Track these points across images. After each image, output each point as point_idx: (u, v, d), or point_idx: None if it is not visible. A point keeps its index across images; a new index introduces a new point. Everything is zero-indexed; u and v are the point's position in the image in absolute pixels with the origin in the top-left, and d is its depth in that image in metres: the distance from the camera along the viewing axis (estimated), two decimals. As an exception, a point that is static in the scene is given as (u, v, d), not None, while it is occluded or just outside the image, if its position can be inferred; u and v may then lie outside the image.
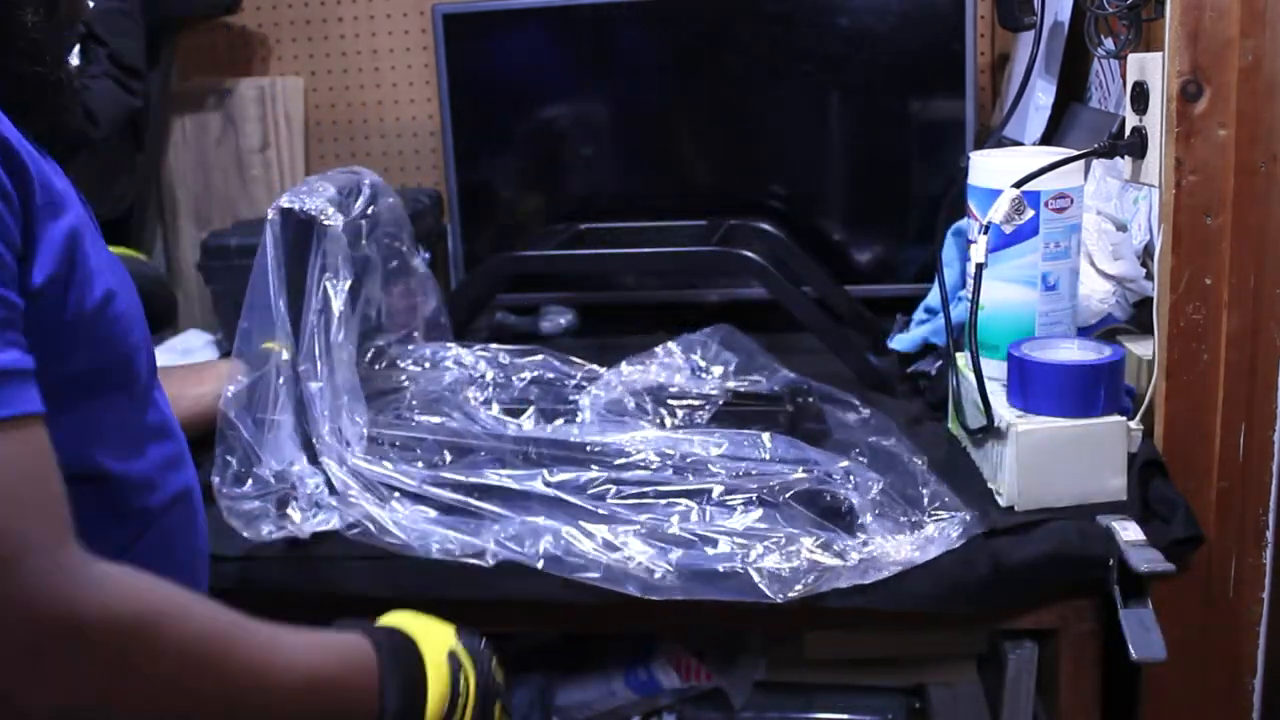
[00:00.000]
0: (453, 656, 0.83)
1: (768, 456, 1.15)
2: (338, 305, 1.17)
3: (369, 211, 1.29)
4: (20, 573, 0.57)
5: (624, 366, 1.37)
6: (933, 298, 1.42)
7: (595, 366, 1.38)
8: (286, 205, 1.17)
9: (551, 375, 1.39)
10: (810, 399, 1.34)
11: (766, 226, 1.66)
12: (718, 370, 1.40)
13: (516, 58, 1.78)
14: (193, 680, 0.65)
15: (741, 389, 1.37)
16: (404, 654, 0.80)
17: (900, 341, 1.43)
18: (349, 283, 1.19)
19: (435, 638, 0.84)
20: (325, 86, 2.05)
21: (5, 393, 0.60)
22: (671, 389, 1.34)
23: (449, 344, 1.41)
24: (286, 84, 2.02)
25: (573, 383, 1.37)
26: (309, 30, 2.03)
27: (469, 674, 0.83)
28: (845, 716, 1.42)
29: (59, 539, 0.60)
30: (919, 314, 1.45)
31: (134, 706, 0.62)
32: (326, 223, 1.17)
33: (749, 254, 1.47)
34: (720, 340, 1.42)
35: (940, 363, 1.35)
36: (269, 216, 1.16)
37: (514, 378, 1.37)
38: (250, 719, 0.69)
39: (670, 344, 1.42)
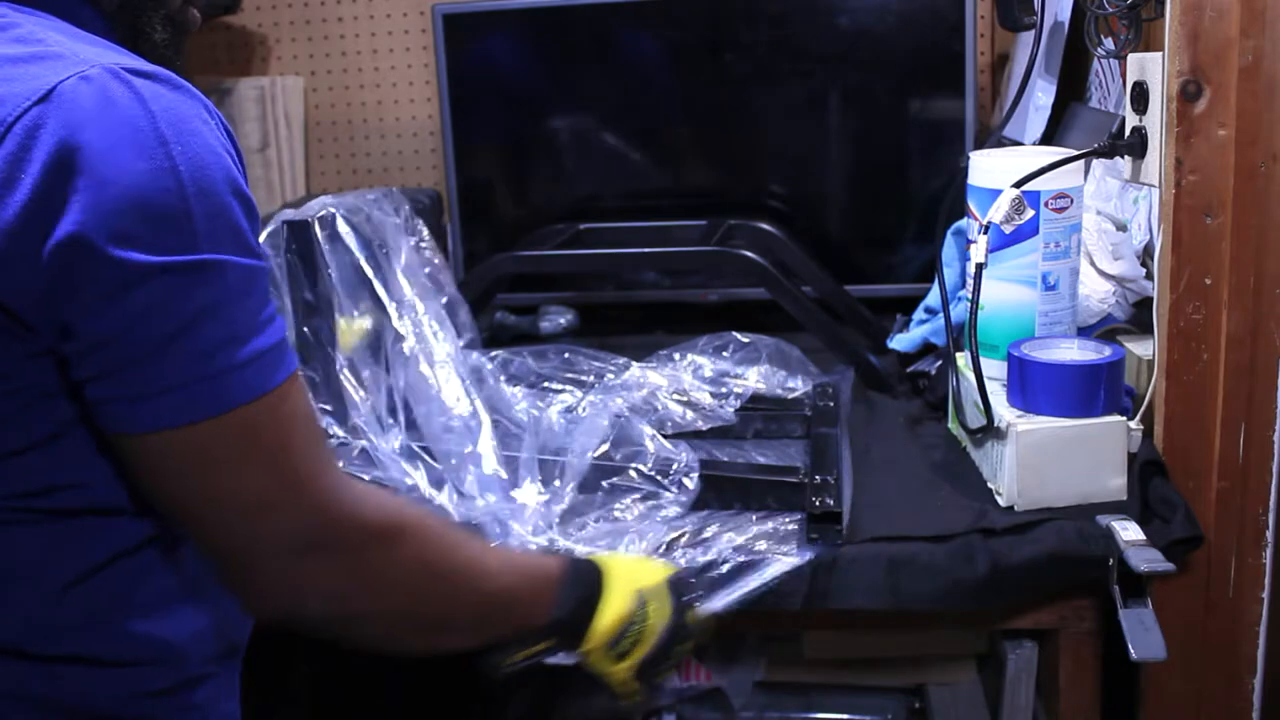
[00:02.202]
0: (640, 594, 0.96)
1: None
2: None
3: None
4: (312, 491, 0.77)
5: (645, 370, 1.38)
6: (933, 298, 1.42)
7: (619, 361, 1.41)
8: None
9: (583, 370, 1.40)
10: (833, 404, 1.34)
11: (766, 226, 1.66)
12: (750, 372, 1.40)
13: (516, 58, 1.78)
14: (426, 581, 0.84)
15: (764, 393, 1.38)
16: (587, 579, 0.95)
17: (900, 341, 1.43)
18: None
19: (628, 573, 0.97)
20: (325, 86, 2.05)
21: (290, 351, 0.78)
22: (693, 391, 1.35)
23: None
24: (286, 84, 2.02)
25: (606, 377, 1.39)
26: (309, 30, 2.03)
27: (653, 613, 0.96)
28: (845, 716, 1.42)
29: (333, 463, 0.80)
30: (919, 314, 1.45)
31: (381, 597, 0.82)
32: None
33: (749, 254, 1.47)
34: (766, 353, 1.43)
35: (940, 363, 1.36)
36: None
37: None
38: (459, 617, 0.88)
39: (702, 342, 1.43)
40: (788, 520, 1.13)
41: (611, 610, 0.95)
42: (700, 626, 1.00)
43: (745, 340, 1.44)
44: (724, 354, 1.42)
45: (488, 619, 0.90)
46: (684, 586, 1.01)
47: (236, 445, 0.74)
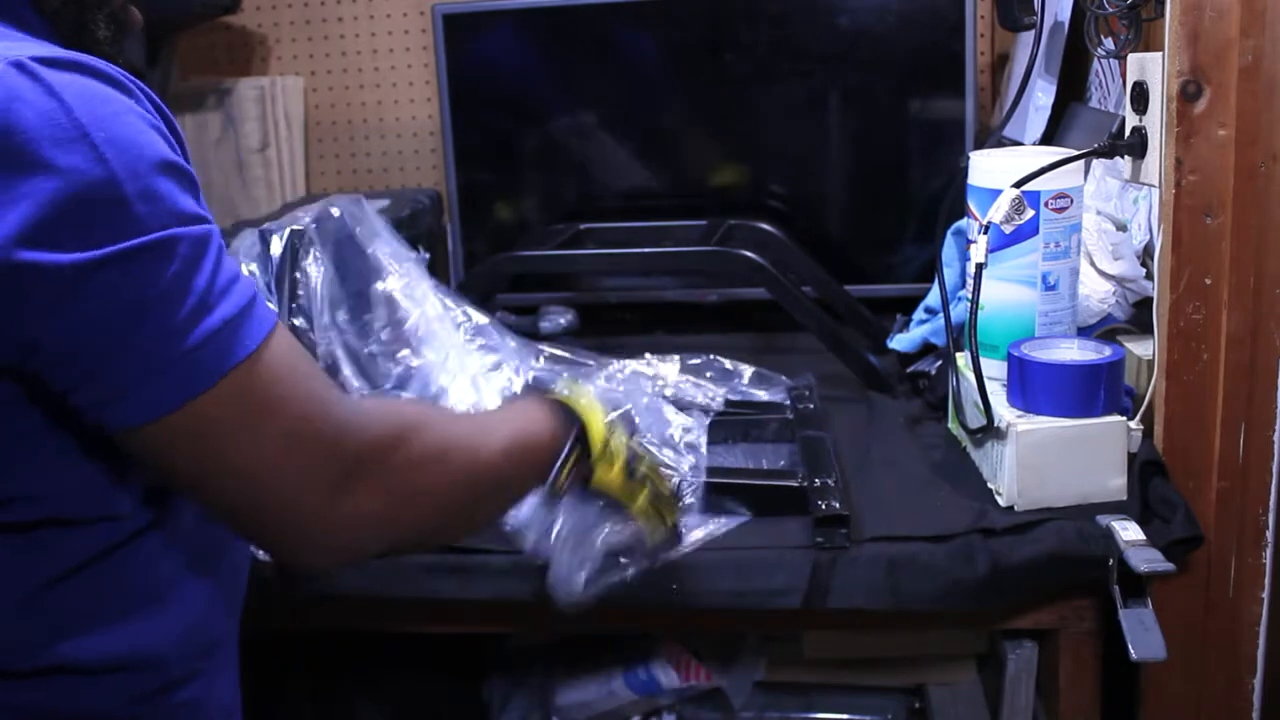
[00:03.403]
0: (604, 398, 1.00)
1: None
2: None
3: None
4: (325, 426, 0.77)
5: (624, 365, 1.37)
6: (933, 298, 1.42)
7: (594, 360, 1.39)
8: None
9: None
10: (812, 405, 1.34)
11: (766, 226, 1.65)
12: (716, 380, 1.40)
13: (516, 58, 1.78)
14: (445, 468, 0.85)
15: (736, 398, 1.37)
16: (562, 399, 0.98)
17: (900, 341, 1.43)
18: None
19: (584, 393, 1.01)
20: (325, 86, 2.05)
21: (263, 304, 0.77)
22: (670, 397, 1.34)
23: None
24: (286, 84, 2.02)
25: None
26: (309, 30, 2.03)
27: (619, 426, 1.00)
28: (845, 716, 1.42)
29: (332, 392, 0.80)
30: (919, 314, 1.45)
31: (417, 491, 0.82)
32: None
33: (749, 254, 1.47)
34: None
35: (940, 363, 1.36)
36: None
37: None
38: (483, 486, 0.89)
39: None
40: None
41: (591, 415, 0.97)
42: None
43: (728, 366, 1.43)
44: (706, 375, 1.42)
45: (518, 469, 0.92)
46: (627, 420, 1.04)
47: (239, 410, 0.73)
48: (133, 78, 0.76)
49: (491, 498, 0.92)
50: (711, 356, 1.44)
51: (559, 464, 0.94)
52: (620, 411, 1.01)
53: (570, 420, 0.96)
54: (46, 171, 0.67)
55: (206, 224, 0.74)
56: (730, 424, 1.31)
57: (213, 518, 0.81)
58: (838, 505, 1.08)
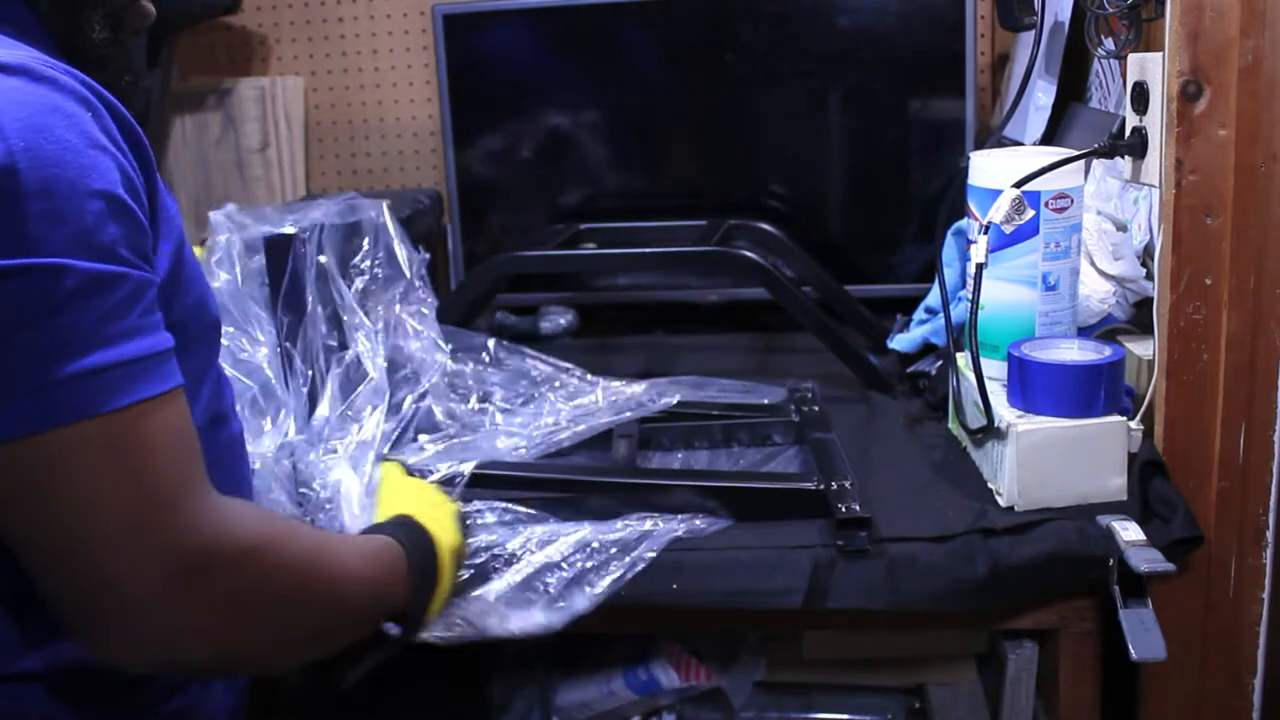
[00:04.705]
0: (456, 556, 0.98)
1: None
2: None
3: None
4: (180, 512, 0.71)
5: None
6: (933, 298, 1.42)
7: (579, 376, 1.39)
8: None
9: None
10: (816, 406, 1.34)
11: (766, 226, 1.65)
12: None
13: (516, 58, 1.78)
14: (302, 590, 0.79)
15: (736, 401, 1.37)
16: (425, 557, 0.94)
17: (900, 341, 1.43)
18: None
19: (443, 532, 0.98)
20: (325, 86, 2.05)
21: (166, 368, 0.72)
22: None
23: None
24: (286, 84, 2.02)
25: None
26: (309, 30, 2.03)
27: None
28: (845, 716, 1.42)
29: (204, 484, 0.74)
30: (919, 314, 1.45)
31: (261, 612, 0.75)
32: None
33: (749, 254, 1.47)
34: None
35: (940, 363, 1.36)
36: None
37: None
38: (336, 621, 0.84)
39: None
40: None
41: (445, 586, 0.96)
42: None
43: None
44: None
45: (361, 618, 0.87)
46: (465, 519, 1.05)
47: (92, 462, 0.68)
48: (99, 95, 0.73)
49: (338, 634, 0.86)
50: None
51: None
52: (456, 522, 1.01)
53: (424, 570, 0.93)
54: None
55: (118, 265, 0.70)
56: (734, 428, 1.31)
57: (31, 575, 0.72)
58: (858, 508, 1.08)
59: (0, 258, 0.66)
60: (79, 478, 0.68)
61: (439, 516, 1.00)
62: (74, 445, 0.68)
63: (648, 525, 1.10)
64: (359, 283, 1.25)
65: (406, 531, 0.94)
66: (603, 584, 1.06)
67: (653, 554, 1.08)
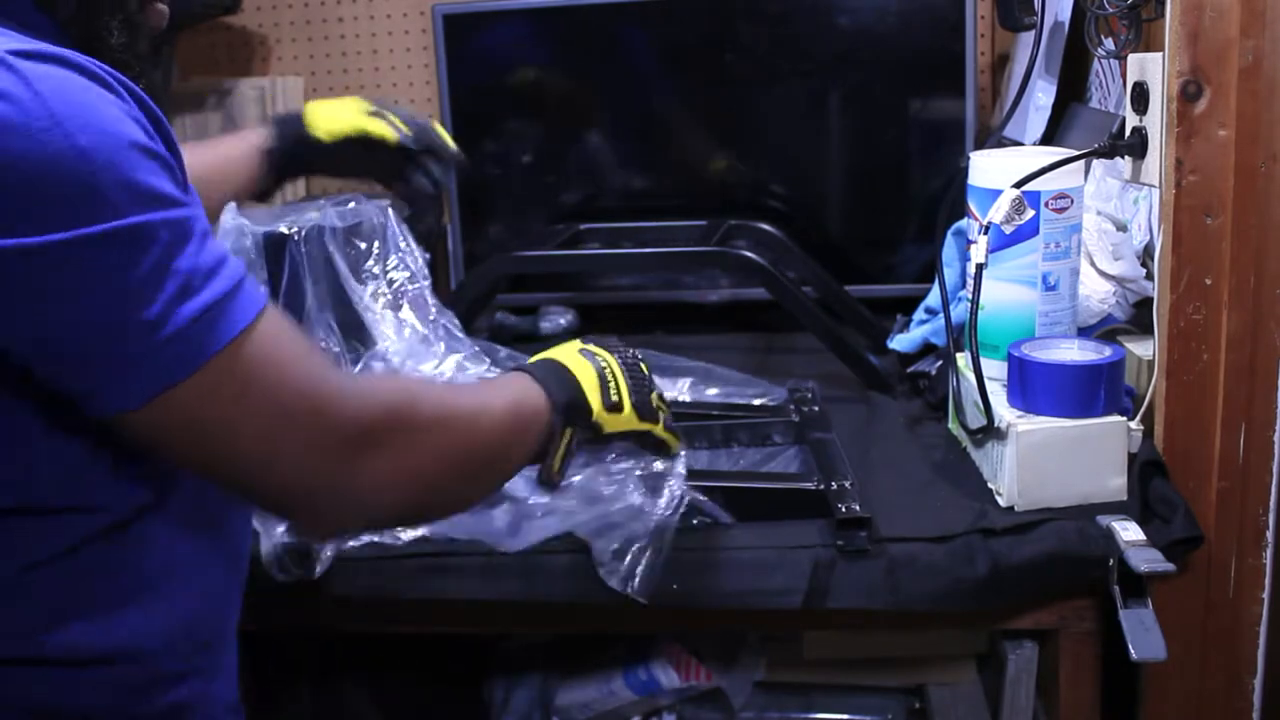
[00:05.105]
0: (584, 351, 1.01)
1: None
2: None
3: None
4: (325, 402, 0.77)
5: None
6: (933, 298, 1.42)
7: None
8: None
9: None
10: (816, 406, 1.34)
11: (766, 226, 1.66)
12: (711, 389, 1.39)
13: (516, 58, 1.78)
14: (446, 436, 0.86)
15: (737, 401, 1.37)
16: (549, 365, 0.99)
17: (900, 341, 1.43)
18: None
19: (561, 349, 1.02)
20: (325, 86, 2.05)
21: (252, 283, 0.76)
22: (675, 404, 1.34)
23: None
24: (286, 84, 2.02)
25: None
26: (309, 30, 2.03)
27: (606, 357, 1.01)
28: (845, 716, 1.42)
29: (330, 368, 0.81)
30: (919, 314, 1.45)
31: (419, 466, 0.83)
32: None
33: (749, 254, 1.47)
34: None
35: (940, 363, 1.36)
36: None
37: None
38: (485, 452, 0.90)
39: None
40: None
41: (585, 373, 0.99)
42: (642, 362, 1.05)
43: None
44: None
45: (518, 438, 0.93)
46: (599, 338, 1.07)
47: (230, 393, 0.73)
48: (116, 74, 0.75)
49: (493, 465, 0.92)
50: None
51: (555, 450, 0.95)
52: (608, 353, 1.03)
53: (563, 386, 0.97)
54: (19, 160, 0.67)
55: (187, 208, 0.74)
56: (734, 428, 1.31)
57: (228, 495, 0.82)
58: (858, 508, 1.08)
59: (90, 225, 0.69)
60: (224, 412, 0.74)
61: (559, 347, 1.04)
62: (209, 386, 0.73)
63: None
64: (371, 286, 1.25)
65: (522, 363, 1.03)
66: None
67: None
